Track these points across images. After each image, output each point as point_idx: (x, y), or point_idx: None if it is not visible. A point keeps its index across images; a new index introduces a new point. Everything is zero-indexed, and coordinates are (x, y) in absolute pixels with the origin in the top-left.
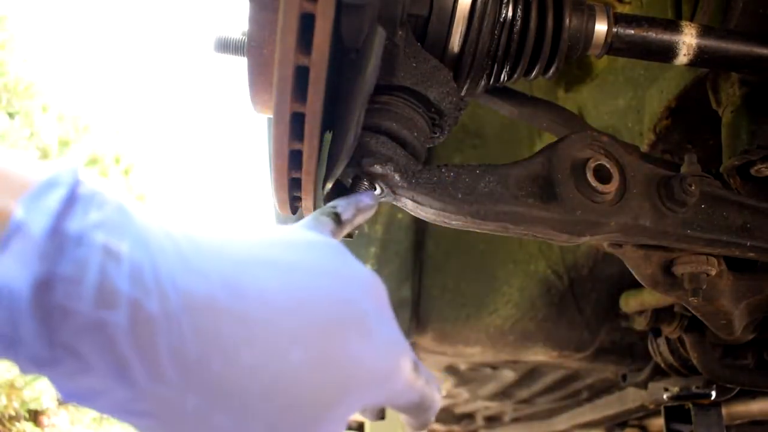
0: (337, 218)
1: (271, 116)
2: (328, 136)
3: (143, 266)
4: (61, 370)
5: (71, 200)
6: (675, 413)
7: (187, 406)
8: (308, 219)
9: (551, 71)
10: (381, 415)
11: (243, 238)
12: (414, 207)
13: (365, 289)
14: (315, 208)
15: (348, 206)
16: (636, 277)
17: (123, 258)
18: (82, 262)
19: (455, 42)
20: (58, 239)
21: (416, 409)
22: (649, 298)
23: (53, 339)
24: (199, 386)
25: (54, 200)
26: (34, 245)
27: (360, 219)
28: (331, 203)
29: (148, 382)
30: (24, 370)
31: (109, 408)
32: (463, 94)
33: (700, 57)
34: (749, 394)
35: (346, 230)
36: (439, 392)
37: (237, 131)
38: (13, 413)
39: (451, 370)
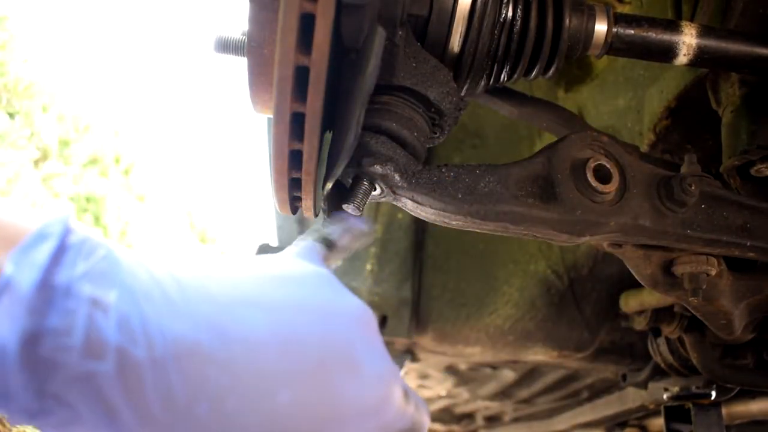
0: (330, 244)
1: (271, 116)
2: (328, 136)
3: (130, 315)
4: (52, 420)
5: (60, 251)
6: (675, 413)
7: None
8: (302, 245)
9: (551, 71)
10: None
11: (230, 274)
12: (414, 207)
13: (353, 323)
14: (315, 208)
15: (342, 233)
16: (636, 277)
17: (110, 308)
18: (70, 315)
19: (455, 42)
20: (47, 293)
21: None
22: (649, 298)
23: (42, 390)
24: (187, 431)
25: (43, 253)
26: (22, 300)
27: (355, 245)
28: (327, 230)
29: (137, 427)
30: (14, 421)
31: None
32: (463, 94)
33: (700, 57)
34: (749, 394)
35: (340, 255)
36: (428, 416)
37: (237, 131)
38: None
39: (451, 370)
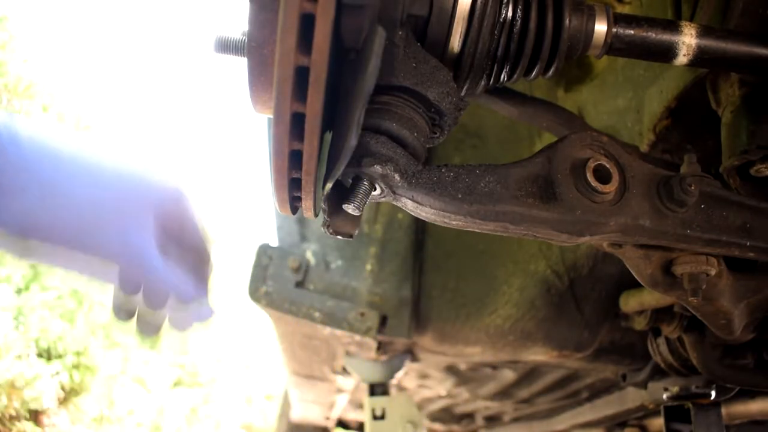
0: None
1: (271, 116)
2: (328, 136)
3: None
4: None
5: None
6: (675, 413)
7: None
8: None
9: (551, 71)
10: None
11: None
12: (414, 207)
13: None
14: (315, 208)
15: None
16: (636, 277)
17: None
18: None
19: (455, 42)
20: None
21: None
22: (649, 298)
23: None
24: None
25: None
26: None
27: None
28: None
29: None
30: None
31: None
32: (463, 94)
33: (700, 57)
34: (749, 394)
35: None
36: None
37: (237, 131)
38: (13, 413)
39: (451, 370)
